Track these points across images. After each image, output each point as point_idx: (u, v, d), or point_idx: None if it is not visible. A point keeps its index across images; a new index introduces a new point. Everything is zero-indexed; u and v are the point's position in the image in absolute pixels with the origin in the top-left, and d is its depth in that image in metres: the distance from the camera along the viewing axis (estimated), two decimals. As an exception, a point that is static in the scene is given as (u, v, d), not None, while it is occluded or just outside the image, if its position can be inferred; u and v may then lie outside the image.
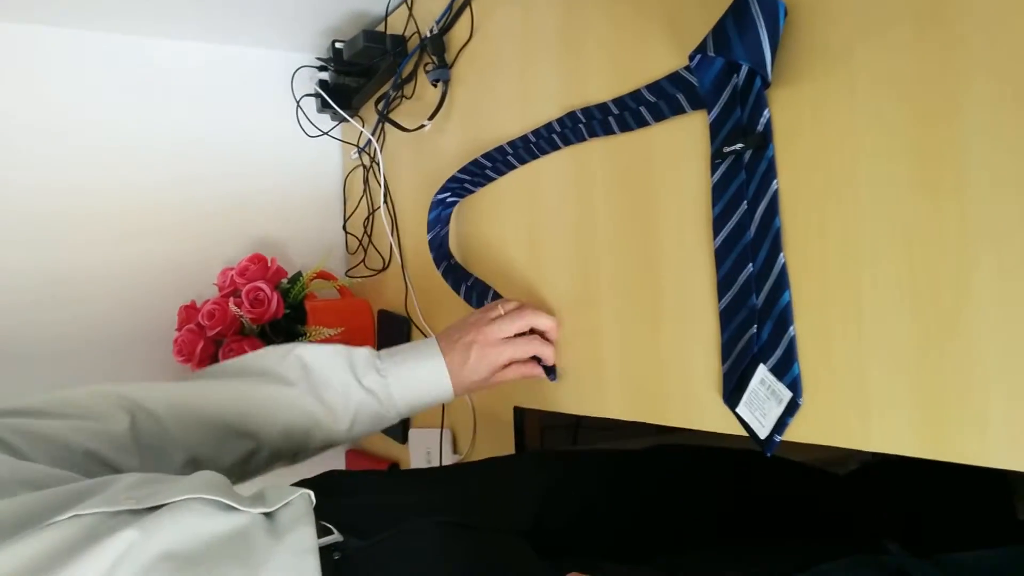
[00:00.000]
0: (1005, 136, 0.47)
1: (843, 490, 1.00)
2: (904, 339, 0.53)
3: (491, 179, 1.01)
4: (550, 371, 0.89)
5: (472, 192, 1.06)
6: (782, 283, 0.61)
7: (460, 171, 1.03)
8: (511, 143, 0.94)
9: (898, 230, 0.53)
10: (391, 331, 1.31)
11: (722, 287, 0.67)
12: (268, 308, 1.26)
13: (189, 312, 1.32)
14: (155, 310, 1.37)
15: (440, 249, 1.09)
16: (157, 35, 1.41)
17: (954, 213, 0.49)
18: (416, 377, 0.85)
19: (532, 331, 0.89)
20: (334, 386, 0.82)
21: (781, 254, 0.61)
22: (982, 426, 0.48)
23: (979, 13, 0.48)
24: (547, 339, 0.89)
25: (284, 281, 1.37)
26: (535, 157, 0.92)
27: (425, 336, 1.20)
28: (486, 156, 0.97)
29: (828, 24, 0.57)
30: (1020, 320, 0.46)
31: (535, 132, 0.89)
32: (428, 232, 1.08)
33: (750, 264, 0.64)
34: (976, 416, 0.48)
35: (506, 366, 0.88)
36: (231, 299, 1.28)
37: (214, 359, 1.29)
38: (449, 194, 1.07)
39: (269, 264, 1.35)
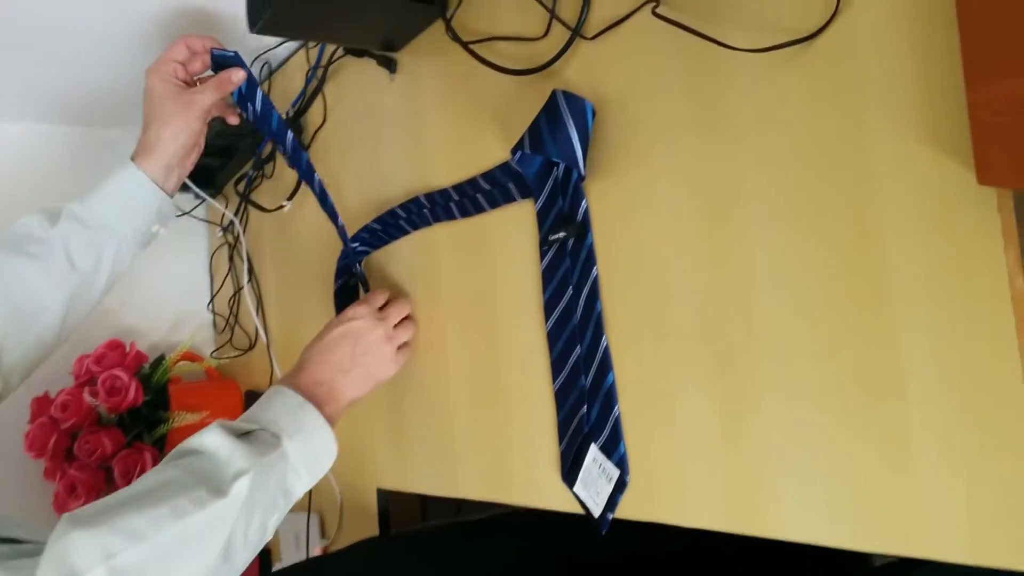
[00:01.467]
0: (774, 225, 0.51)
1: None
2: (709, 419, 0.56)
3: (353, 264, 1.01)
4: None
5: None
6: (606, 364, 0.64)
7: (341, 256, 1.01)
8: (363, 231, 0.95)
9: (697, 315, 0.57)
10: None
11: (555, 368, 0.69)
12: (126, 396, 1.22)
13: (41, 404, 1.25)
14: (4, 403, 1.29)
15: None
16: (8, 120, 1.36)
17: (741, 300, 0.53)
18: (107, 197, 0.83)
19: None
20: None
21: (604, 337, 0.64)
22: (776, 502, 0.51)
23: (745, 123, 0.53)
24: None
25: (145, 366, 1.33)
26: (384, 243, 0.93)
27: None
28: (342, 254, 0.97)
29: (630, 125, 0.62)
30: (802, 406, 0.50)
31: (379, 219, 0.91)
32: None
33: (578, 346, 0.67)
34: (771, 493, 0.52)
35: None
36: (86, 388, 1.23)
37: (69, 453, 1.23)
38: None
39: (128, 349, 1.30)
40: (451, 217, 0.82)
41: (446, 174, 0.83)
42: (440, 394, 0.85)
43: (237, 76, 0.84)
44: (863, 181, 0.47)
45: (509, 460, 0.75)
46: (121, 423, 1.24)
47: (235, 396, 1.36)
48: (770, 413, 0.52)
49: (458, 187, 0.80)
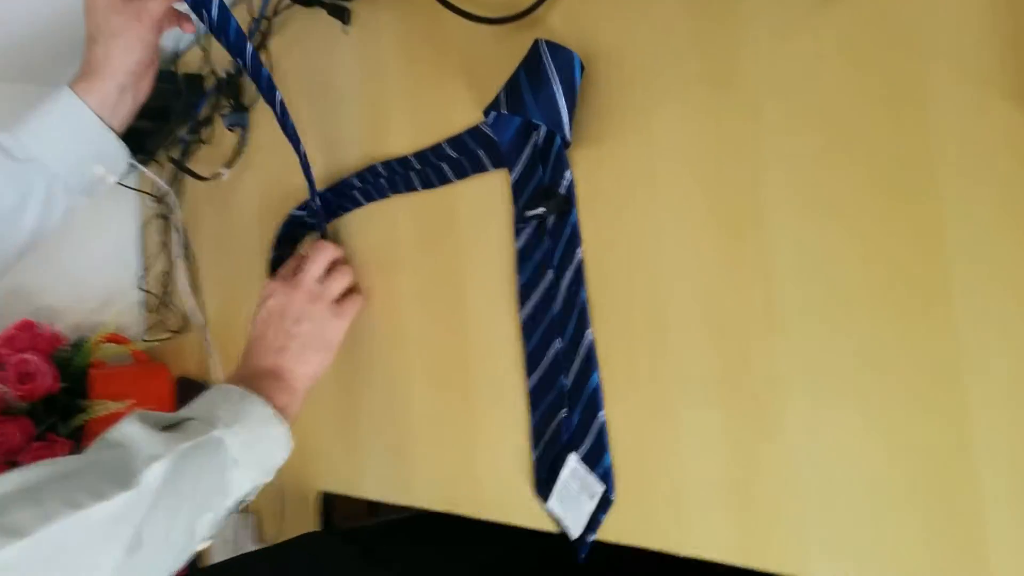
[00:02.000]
0: (810, 202, 0.43)
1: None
2: (719, 433, 0.47)
3: (299, 235, 0.90)
4: None
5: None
6: (591, 362, 0.55)
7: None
8: (303, 204, 0.84)
9: (706, 307, 0.48)
10: (190, 400, 1.17)
11: (530, 363, 0.60)
12: (40, 382, 1.09)
13: (-56, 390, 1.12)
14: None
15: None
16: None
17: (759, 292, 0.45)
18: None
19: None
20: None
21: (588, 330, 0.55)
22: (799, 537, 0.43)
23: (770, 78, 0.44)
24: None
25: (64, 348, 1.20)
26: (335, 215, 0.83)
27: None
28: (285, 222, 0.86)
29: (625, 82, 0.52)
30: (836, 421, 0.42)
31: (331, 189, 0.80)
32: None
33: (558, 339, 0.58)
34: (793, 526, 0.43)
35: None
36: (-5, 373, 1.10)
37: (-25, 444, 1.10)
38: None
39: (40, 330, 1.17)
40: (411, 188, 0.72)
41: (407, 140, 0.73)
42: (396, 387, 0.75)
43: None
44: (920, 150, 0.38)
45: (473, 467, 0.66)
46: (33, 412, 1.11)
47: (165, 382, 1.24)
48: (795, 428, 0.43)
49: (420, 154, 0.70)
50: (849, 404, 0.41)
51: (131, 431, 0.56)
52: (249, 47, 0.73)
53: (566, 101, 0.53)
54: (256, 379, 0.67)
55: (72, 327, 1.27)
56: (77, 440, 1.13)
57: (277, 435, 0.63)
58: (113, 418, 1.12)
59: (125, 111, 0.72)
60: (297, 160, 0.75)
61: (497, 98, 0.56)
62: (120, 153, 0.72)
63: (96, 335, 1.22)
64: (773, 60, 0.44)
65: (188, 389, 1.19)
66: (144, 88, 0.74)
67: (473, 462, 0.66)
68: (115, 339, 1.26)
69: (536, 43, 0.54)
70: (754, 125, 0.45)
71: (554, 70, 0.53)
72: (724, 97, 0.46)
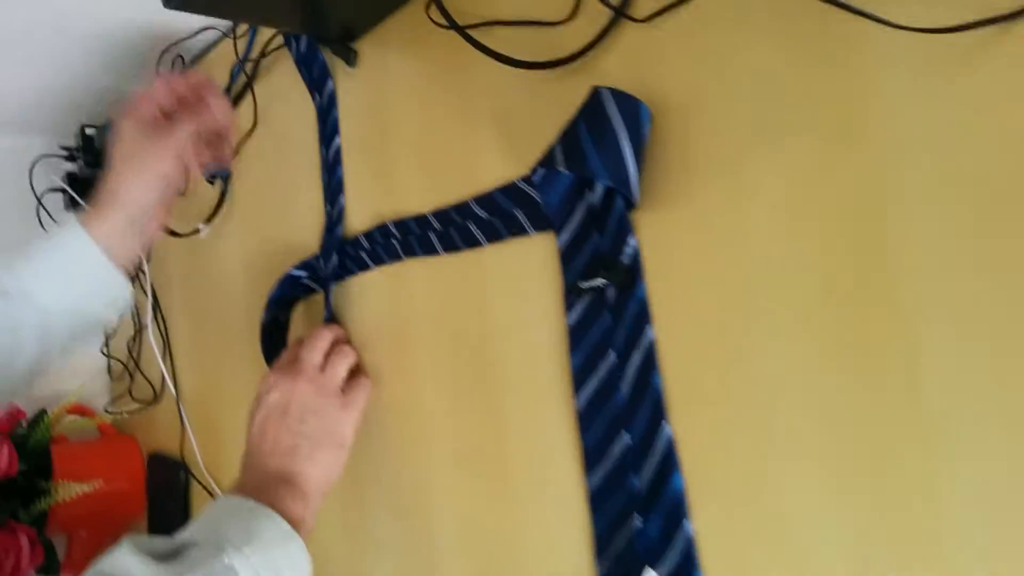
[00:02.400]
0: (954, 284, 0.35)
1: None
2: (847, 549, 0.39)
3: (296, 297, 0.81)
4: None
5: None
6: (670, 462, 0.47)
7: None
8: (303, 264, 0.75)
9: (818, 397, 0.40)
10: (164, 479, 1.06)
11: (590, 460, 0.51)
12: (-5, 466, 0.98)
13: None
14: None
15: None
16: None
17: (890, 375, 0.37)
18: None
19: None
20: None
21: (665, 422, 0.47)
22: None
23: (901, 130, 0.37)
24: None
25: (22, 423, 1.08)
26: (340, 279, 0.74)
27: (207, 490, 0.97)
28: (282, 281, 0.77)
29: (707, 133, 0.45)
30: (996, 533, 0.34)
31: (338, 249, 0.71)
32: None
33: (626, 433, 0.49)
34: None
35: None
36: (-57, 456, 0.98)
37: (-80, 536, 0.98)
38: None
39: (-3, 406, 1.06)
40: (430, 251, 0.63)
41: (423, 196, 0.64)
42: (416, 484, 0.66)
43: (218, 103, 0.67)
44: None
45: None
46: (-11, 499, 1.00)
47: (135, 459, 1.13)
48: (953, 544, 0.35)
49: (441, 213, 0.62)
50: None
51: (126, 565, 0.46)
52: (330, 84, 0.69)
53: (634, 157, 0.46)
54: (265, 488, 0.57)
55: (30, 399, 1.14)
56: (40, 527, 1.01)
57: (295, 553, 0.54)
58: (80, 502, 1.01)
59: (131, 246, 0.65)
60: (289, 212, 0.67)
61: (551, 154, 0.48)
62: (122, 292, 0.66)
63: (57, 407, 1.10)
64: (907, 105, 0.37)
65: (161, 467, 1.07)
66: (155, 226, 0.67)
67: (515, 572, 0.57)
68: (79, 410, 1.15)
69: (597, 91, 0.46)
70: (880, 189, 0.38)
71: (620, 121, 0.45)
72: (843, 152, 0.39)
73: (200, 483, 0.98)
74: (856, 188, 0.39)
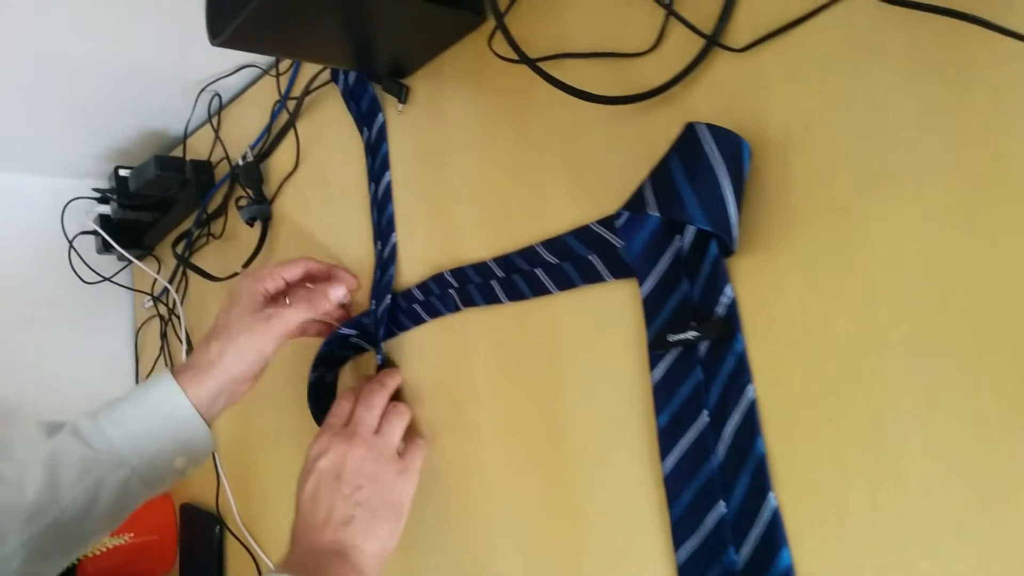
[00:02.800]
0: None
1: None
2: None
3: (344, 357, 0.76)
4: None
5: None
6: (776, 535, 0.42)
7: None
8: (353, 321, 0.71)
9: (968, 473, 0.35)
10: (197, 533, 1.01)
11: (678, 532, 0.47)
12: (23, 520, 0.93)
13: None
14: None
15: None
16: None
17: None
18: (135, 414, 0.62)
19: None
20: None
21: (770, 493, 0.42)
22: None
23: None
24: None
25: (51, 474, 1.04)
26: (392, 335, 0.70)
27: (243, 544, 0.92)
28: (329, 340, 0.73)
29: (815, 173, 0.41)
30: None
31: (389, 302, 0.67)
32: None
33: (721, 502, 0.45)
34: None
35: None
36: (-30, 509, 0.94)
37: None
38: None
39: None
40: (493, 300, 0.59)
41: (484, 243, 0.60)
42: (476, 557, 0.61)
43: (336, 293, 0.67)
44: None
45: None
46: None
47: (167, 511, 1.08)
48: None
49: (504, 259, 0.58)
50: None
51: None
52: (380, 117, 0.69)
53: (735, 198, 0.41)
54: (317, 563, 0.53)
55: (58, 447, 1.11)
56: (68, 585, 0.97)
57: None
58: (109, 555, 0.97)
59: (218, 410, 0.64)
60: (332, 258, 0.63)
61: (640, 195, 0.44)
62: (207, 449, 0.64)
63: (87, 457, 1.06)
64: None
65: (194, 520, 1.03)
66: (238, 395, 0.66)
67: (594, 651, 0.52)
68: (108, 460, 1.11)
69: (692, 127, 0.42)
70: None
71: (720, 159, 0.41)
72: (988, 197, 0.34)
73: (236, 537, 0.94)
74: (1003, 239, 0.34)
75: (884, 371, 0.38)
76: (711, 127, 0.42)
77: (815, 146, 0.41)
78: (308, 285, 0.69)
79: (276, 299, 0.66)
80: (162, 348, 1.13)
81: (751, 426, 0.43)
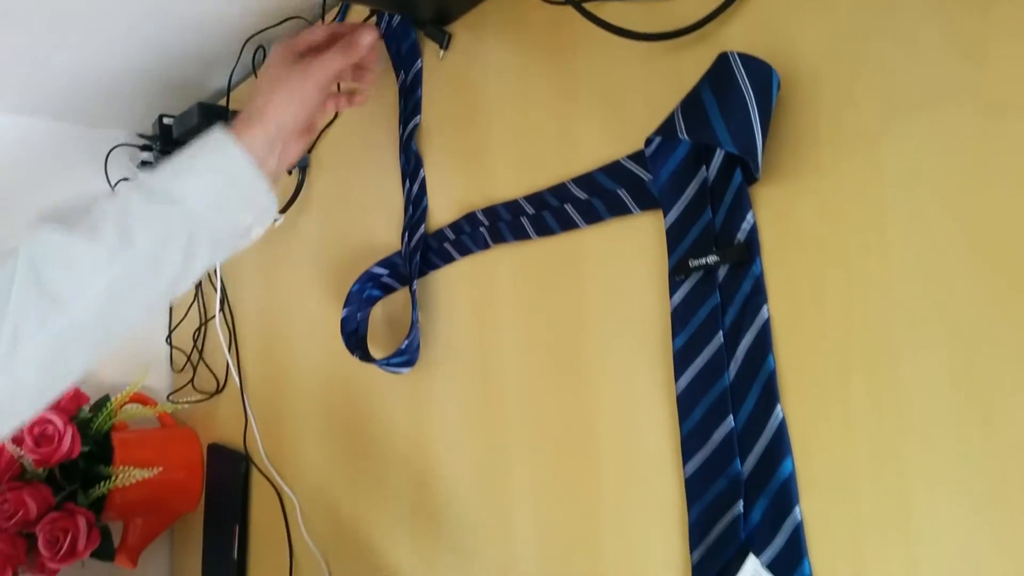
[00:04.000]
0: None
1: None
2: (983, 543, 0.37)
3: (374, 300, 0.80)
4: None
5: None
6: (781, 445, 0.45)
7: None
8: (385, 261, 0.74)
9: (965, 381, 0.38)
10: (224, 470, 1.05)
11: (688, 446, 0.49)
12: (59, 446, 0.97)
13: (-49, 452, 1.00)
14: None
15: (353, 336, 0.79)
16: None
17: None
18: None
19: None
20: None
21: (778, 406, 0.45)
22: None
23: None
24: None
25: (85, 409, 1.08)
26: (423, 274, 0.73)
27: (269, 480, 0.96)
28: (362, 277, 0.76)
29: (837, 101, 0.43)
30: None
31: (416, 242, 0.71)
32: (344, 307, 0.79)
33: (730, 417, 0.47)
34: None
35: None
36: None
37: (-18, 513, 0.98)
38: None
39: (64, 388, 1.06)
40: (522, 236, 0.62)
41: (514, 182, 0.63)
42: (492, 476, 0.64)
43: (367, 37, 0.64)
44: None
45: (599, 569, 0.55)
46: (51, 479, 1.00)
47: (194, 449, 1.12)
48: None
49: (534, 197, 0.61)
50: None
51: None
52: (419, 63, 0.73)
53: (761, 124, 0.44)
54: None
55: (92, 386, 1.15)
56: (98, 512, 1.01)
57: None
58: (137, 489, 1.01)
59: (273, 163, 0.63)
60: (367, 203, 0.66)
61: (671, 121, 0.47)
62: (269, 203, 0.62)
63: (121, 395, 1.11)
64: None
65: (221, 458, 1.07)
66: (293, 152, 0.65)
67: (600, 563, 0.55)
68: (140, 399, 1.15)
69: (725, 56, 0.45)
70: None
71: (749, 87, 0.44)
72: (995, 122, 0.37)
73: (262, 472, 0.97)
74: (1014, 158, 0.36)
75: (891, 289, 0.40)
76: (743, 56, 0.44)
77: (841, 75, 0.43)
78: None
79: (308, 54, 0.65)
80: (196, 296, 1.17)
81: (763, 344, 0.46)
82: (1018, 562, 0.36)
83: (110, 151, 1.16)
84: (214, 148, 0.59)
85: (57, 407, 1.02)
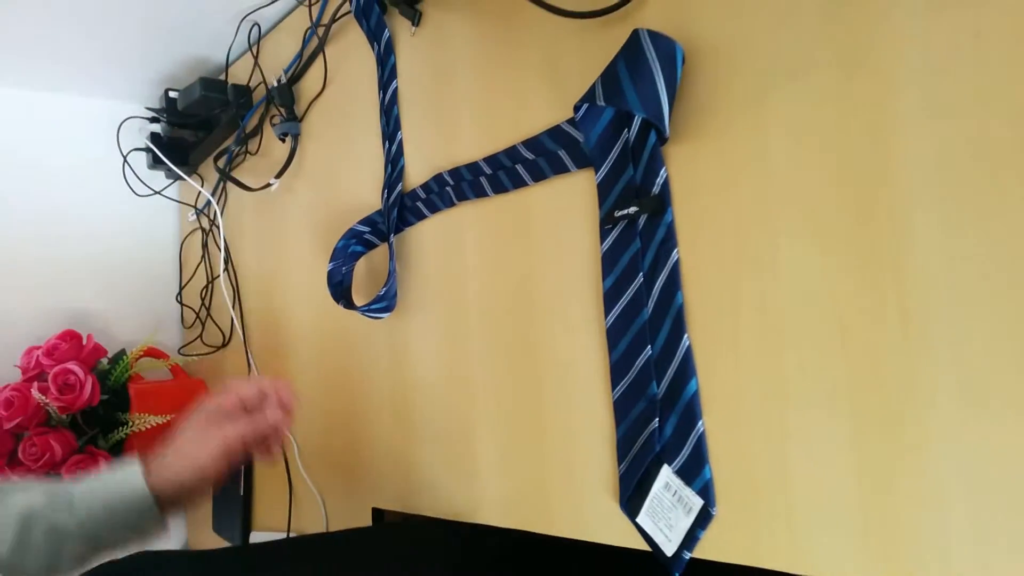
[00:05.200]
0: (953, 202, 0.40)
1: None
2: (841, 441, 0.44)
3: (357, 256, 0.87)
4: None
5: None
6: (687, 369, 0.52)
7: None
8: (366, 220, 0.82)
9: (828, 309, 0.45)
10: (231, 417, 1.14)
11: (616, 373, 0.57)
12: (80, 394, 1.07)
13: (-18, 401, 1.10)
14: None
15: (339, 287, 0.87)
16: (-45, 77, 1.21)
17: (892, 287, 0.42)
18: (103, 480, 0.68)
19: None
20: None
21: (685, 335, 0.52)
22: (944, 559, 0.40)
23: (912, 60, 0.41)
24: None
25: (103, 361, 1.18)
26: (399, 231, 0.80)
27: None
28: (346, 234, 0.84)
29: (733, 69, 0.50)
30: (986, 427, 0.38)
31: (396, 203, 0.78)
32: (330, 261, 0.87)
33: (648, 347, 0.55)
34: (937, 544, 0.40)
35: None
36: (35, 384, 1.08)
37: (13, 456, 1.08)
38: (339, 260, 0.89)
39: (84, 342, 1.15)
40: (481, 194, 0.70)
41: (476, 145, 0.70)
42: (459, 401, 0.72)
43: (273, 414, 0.71)
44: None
45: (549, 484, 0.63)
46: (74, 425, 1.09)
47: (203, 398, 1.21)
48: (937, 439, 0.40)
49: (491, 159, 0.68)
50: (1006, 412, 0.38)
51: None
52: (386, 32, 0.81)
53: (667, 93, 0.51)
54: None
55: (109, 340, 1.25)
56: (117, 453, 1.11)
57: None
58: (152, 432, 1.10)
59: (178, 499, 0.69)
60: (352, 168, 0.73)
61: (592, 89, 0.54)
62: (156, 526, 0.68)
63: (136, 349, 1.20)
64: (917, 39, 0.41)
65: (228, 405, 1.16)
66: (205, 489, 0.70)
67: (547, 479, 0.63)
68: (153, 353, 1.24)
69: (636, 32, 0.52)
70: (890, 113, 0.42)
71: (656, 59, 0.51)
72: (855, 82, 0.44)
73: (263, 418, 1.06)
74: (865, 113, 0.43)
75: (774, 228, 0.48)
76: (651, 33, 0.51)
77: (735, 48, 0.50)
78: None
79: (231, 414, 0.72)
80: (203, 257, 1.25)
81: (674, 283, 0.53)
82: (868, 455, 0.43)
83: (122, 123, 1.24)
84: (123, 477, 0.67)
85: (78, 359, 1.11)
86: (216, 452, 0.68)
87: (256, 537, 1.08)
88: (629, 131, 0.56)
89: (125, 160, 1.23)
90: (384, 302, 0.78)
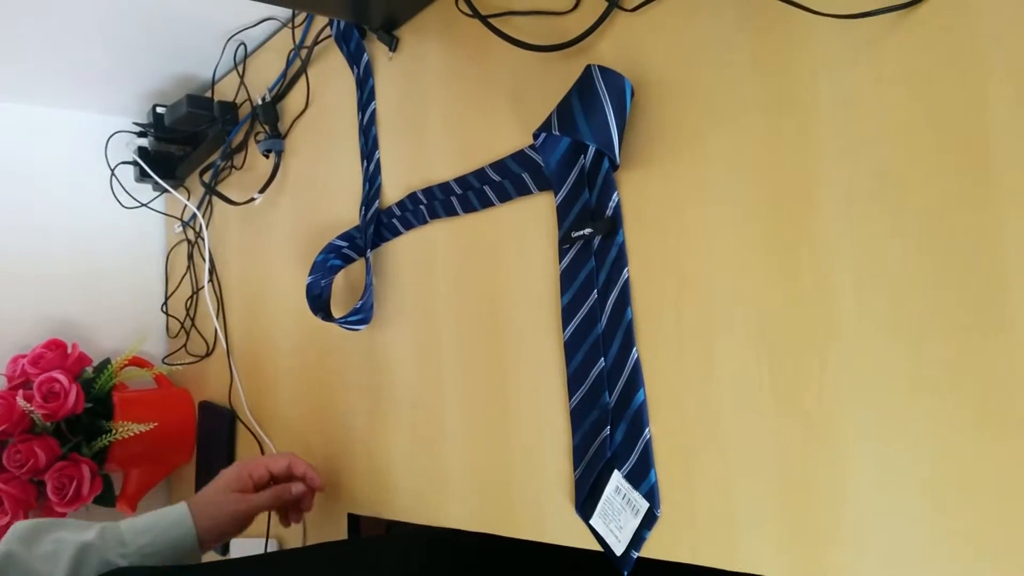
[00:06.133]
0: (862, 225, 0.44)
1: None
2: (771, 449, 0.48)
3: (336, 269, 0.91)
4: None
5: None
6: (636, 380, 0.56)
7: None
8: (345, 235, 0.86)
9: (755, 324, 0.49)
10: (213, 425, 1.17)
11: (572, 384, 0.61)
12: (65, 402, 1.09)
13: (-32, 408, 1.12)
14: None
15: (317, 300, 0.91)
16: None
17: (812, 305, 0.46)
18: (153, 518, 0.75)
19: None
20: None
21: (634, 348, 0.56)
22: (858, 547, 0.43)
23: (826, 102, 0.45)
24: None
25: (88, 370, 1.20)
26: (376, 246, 0.84)
27: (252, 432, 1.08)
28: (325, 248, 0.87)
29: (678, 106, 0.54)
30: (894, 426, 0.42)
31: (374, 219, 0.82)
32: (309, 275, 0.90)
33: (602, 359, 0.58)
34: (850, 536, 0.44)
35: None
36: (20, 392, 1.11)
37: (-3, 463, 1.10)
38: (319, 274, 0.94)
39: (69, 351, 1.18)
40: (452, 213, 0.73)
41: (448, 166, 0.74)
42: (430, 410, 0.76)
43: (296, 488, 0.82)
44: (980, 170, 0.39)
45: (512, 488, 0.66)
46: (58, 432, 1.12)
47: (187, 407, 1.24)
48: (852, 445, 0.44)
49: (461, 179, 0.72)
50: (911, 421, 0.42)
51: None
52: (365, 56, 0.85)
53: (616, 124, 0.55)
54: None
55: (94, 349, 1.27)
56: (100, 461, 1.13)
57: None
58: (136, 441, 1.13)
59: (212, 538, 0.78)
60: (332, 184, 0.77)
61: (549, 119, 0.57)
62: (193, 554, 0.77)
63: (120, 358, 1.23)
64: (831, 81, 0.45)
65: (210, 414, 1.19)
66: (219, 540, 0.80)
67: (510, 483, 0.66)
68: (138, 362, 1.27)
69: (588, 68, 0.56)
70: (810, 144, 0.46)
71: (606, 94, 0.55)
72: (780, 117, 0.48)
73: (246, 426, 1.09)
74: (790, 149, 0.47)
75: (711, 250, 0.51)
76: (602, 68, 0.55)
77: (680, 86, 0.54)
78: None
79: (258, 484, 0.82)
80: (188, 267, 1.29)
81: (624, 299, 0.57)
82: (789, 457, 0.47)
83: (110, 137, 1.27)
84: (172, 516, 0.76)
85: (63, 367, 1.14)
86: (250, 512, 0.79)
87: (235, 544, 1.10)
88: (585, 157, 0.60)
89: (113, 173, 1.26)
90: (361, 314, 0.82)
